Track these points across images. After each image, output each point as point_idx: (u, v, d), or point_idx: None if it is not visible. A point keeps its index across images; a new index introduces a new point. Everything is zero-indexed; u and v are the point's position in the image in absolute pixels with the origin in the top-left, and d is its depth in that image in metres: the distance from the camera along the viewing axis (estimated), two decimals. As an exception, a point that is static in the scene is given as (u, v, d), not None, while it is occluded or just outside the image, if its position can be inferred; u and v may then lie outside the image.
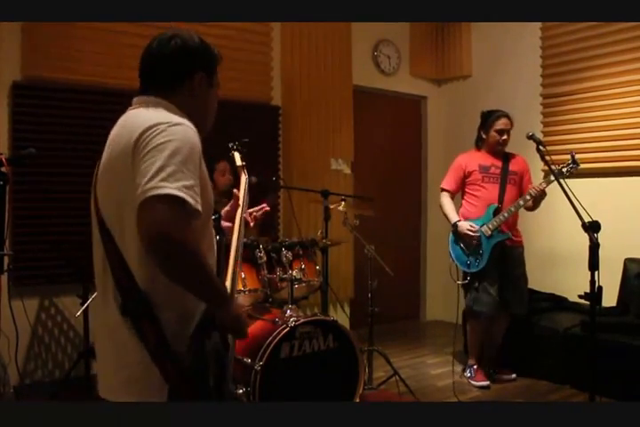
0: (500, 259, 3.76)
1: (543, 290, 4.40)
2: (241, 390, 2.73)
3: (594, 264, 2.36)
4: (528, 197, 3.63)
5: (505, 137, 3.81)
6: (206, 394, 1.40)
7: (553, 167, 3.00)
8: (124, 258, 1.40)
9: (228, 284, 1.68)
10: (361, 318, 4.09)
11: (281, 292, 3.39)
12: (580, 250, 2.71)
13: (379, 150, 5.50)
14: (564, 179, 2.88)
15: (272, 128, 4.71)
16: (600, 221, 2.44)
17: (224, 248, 1.69)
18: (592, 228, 2.41)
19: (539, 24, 4.76)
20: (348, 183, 5.03)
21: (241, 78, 4.42)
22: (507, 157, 3.88)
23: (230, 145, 2.30)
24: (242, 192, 2.03)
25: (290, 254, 3.41)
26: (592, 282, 2.37)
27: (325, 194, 3.75)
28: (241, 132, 2.97)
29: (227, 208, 2.13)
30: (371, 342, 3.75)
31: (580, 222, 2.45)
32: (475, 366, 3.94)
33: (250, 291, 3.23)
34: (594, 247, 2.37)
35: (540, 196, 3.61)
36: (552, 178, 3.25)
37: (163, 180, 1.29)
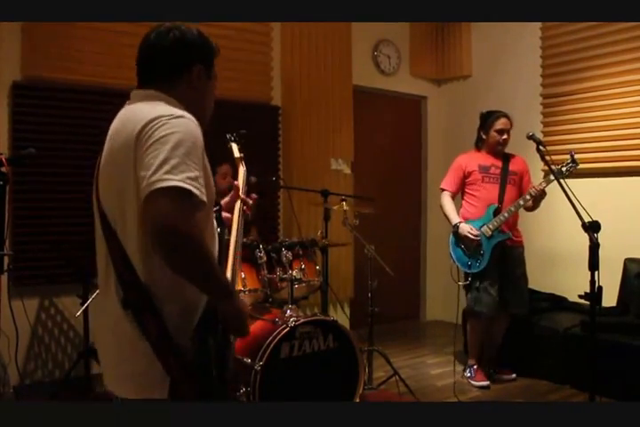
0: (500, 259, 3.76)
1: (543, 290, 4.41)
2: (241, 391, 2.73)
3: (594, 264, 2.36)
4: (528, 197, 3.63)
5: (505, 137, 3.81)
6: (209, 387, 1.40)
7: (553, 167, 3.00)
8: (125, 251, 1.40)
9: (228, 275, 1.68)
10: (361, 318, 4.08)
11: (281, 292, 3.39)
12: (579, 250, 2.71)
13: (379, 150, 5.50)
14: (563, 178, 2.88)
15: (272, 128, 4.71)
16: (600, 221, 2.44)
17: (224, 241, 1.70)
18: (592, 228, 2.41)
19: (539, 24, 4.76)
20: (348, 183, 5.03)
21: (241, 78, 4.42)
22: (506, 158, 3.88)
23: (228, 136, 2.29)
24: (241, 183, 2.03)
25: (290, 254, 3.40)
26: (592, 282, 2.37)
27: (325, 194, 3.76)
28: (241, 132, 2.97)
29: (226, 199, 2.13)
30: (371, 342, 3.75)
31: (580, 222, 2.46)
32: (475, 366, 3.94)
33: (250, 291, 3.23)
34: (594, 247, 2.37)
35: (540, 196, 3.61)
36: (552, 178, 3.25)
37: (167, 172, 1.28)
